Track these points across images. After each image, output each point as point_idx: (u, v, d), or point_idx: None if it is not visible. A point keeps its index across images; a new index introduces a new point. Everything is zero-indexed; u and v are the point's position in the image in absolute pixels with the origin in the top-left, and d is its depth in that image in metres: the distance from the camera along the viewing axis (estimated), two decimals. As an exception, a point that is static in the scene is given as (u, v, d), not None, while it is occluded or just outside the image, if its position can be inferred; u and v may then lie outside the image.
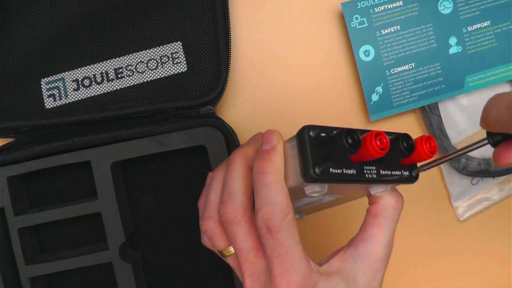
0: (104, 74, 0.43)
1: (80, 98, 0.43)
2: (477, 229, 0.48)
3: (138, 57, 0.43)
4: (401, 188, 0.30)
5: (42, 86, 0.44)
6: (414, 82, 0.45)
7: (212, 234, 0.30)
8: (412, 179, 0.28)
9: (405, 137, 0.26)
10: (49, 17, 0.44)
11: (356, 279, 0.29)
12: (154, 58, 0.43)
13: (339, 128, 0.26)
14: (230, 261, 0.31)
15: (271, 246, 0.26)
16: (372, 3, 0.44)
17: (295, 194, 0.27)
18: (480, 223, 0.48)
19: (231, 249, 0.30)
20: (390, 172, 0.27)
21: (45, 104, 0.44)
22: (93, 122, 0.43)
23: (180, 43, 0.43)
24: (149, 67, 0.43)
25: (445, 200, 0.48)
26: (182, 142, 0.41)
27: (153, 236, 0.45)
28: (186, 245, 0.44)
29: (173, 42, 0.43)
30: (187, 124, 0.42)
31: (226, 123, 0.42)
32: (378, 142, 0.25)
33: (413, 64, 0.45)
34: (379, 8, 0.44)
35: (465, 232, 0.48)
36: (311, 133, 0.25)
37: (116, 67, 0.43)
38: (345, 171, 0.26)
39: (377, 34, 0.44)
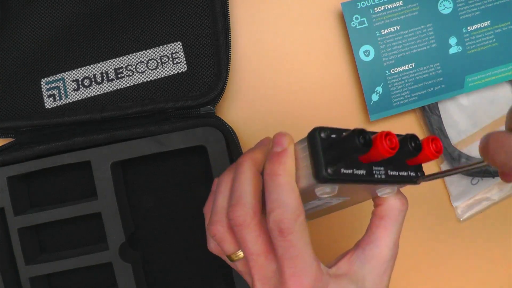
0: (104, 74, 0.43)
1: (80, 98, 0.43)
2: (477, 229, 0.48)
3: (138, 57, 0.43)
4: (402, 188, 0.30)
5: (42, 86, 0.44)
6: (414, 82, 0.45)
7: (220, 238, 0.30)
8: (418, 179, 0.29)
9: (413, 137, 0.27)
10: (49, 17, 0.44)
11: (364, 281, 0.29)
12: (154, 58, 0.43)
13: (349, 129, 0.26)
14: (239, 266, 0.31)
15: (282, 248, 0.26)
16: (372, 3, 0.44)
17: (303, 197, 0.27)
18: (480, 223, 0.48)
19: (240, 253, 0.30)
20: (397, 173, 0.28)
21: (45, 104, 0.44)
22: (93, 122, 0.43)
23: (180, 43, 0.43)
24: (149, 67, 0.43)
25: (445, 200, 0.48)
26: (182, 142, 0.41)
27: (153, 236, 0.45)
28: (186, 245, 0.44)
29: (173, 42, 0.43)
30: (187, 124, 0.42)
31: (226, 123, 0.42)
32: (388, 142, 0.25)
33: (413, 64, 0.45)
34: (379, 8, 0.44)
35: (465, 232, 0.48)
36: (322, 135, 0.26)
37: (116, 67, 0.43)
38: (355, 171, 0.26)
39: (377, 34, 0.44)
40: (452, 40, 0.45)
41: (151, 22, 0.43)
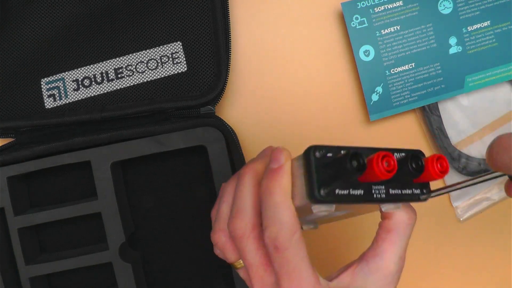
0: (104, 74, 0.43)
1: (80, 98, 0.43)
2: (477, 229, 0.48)
3: (138, 57, 0.43)
4: None
5: (42, 86, 0.44)
6: (414, 82, 0.45)
7: (222, 247, 0.30)
8: (422, 197, 0.27)
9: (415, 157, 0.26)
10: (49, 17, 0.44)
11: None
12: (154, 58, 0.43)
13: (347, 147, 0.25)
14: (241, 273, 0.31)
15: (279, 264, 0.26)
16: (372, 3, 0.44)
17: (302, 210, 0.27)
18: (480, 223, 0.48)
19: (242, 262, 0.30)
20: (400, 192, 0.27)
21: (45, 104, 0.44)
22: (93, 122, 0.43)
23: (180, 43, 0.43)
24: (149, 67, 0.43)
25: (445, 200, 0.48)
26: (182, 142, 0.41)
27: (153, 236, 0.45)
28: (186, 245, 0.44)
29: (173, 42, 0.43)
30: (187, 124, 0.42)
31: (226, 123, 0.42)
32: (385, 164, 0.24)
33: (413, 64, 0.45)
34: (379, 8, 0.44)
35: (465, 232, 0.48)
36: (317, 154, 0.25)
37: (116, 67, 0.43)
38: (352, 192, 0.25)
39: (377, 34, 0.44)
40: (452, 40, 0.45)
41: (151, 22, 0.43)
